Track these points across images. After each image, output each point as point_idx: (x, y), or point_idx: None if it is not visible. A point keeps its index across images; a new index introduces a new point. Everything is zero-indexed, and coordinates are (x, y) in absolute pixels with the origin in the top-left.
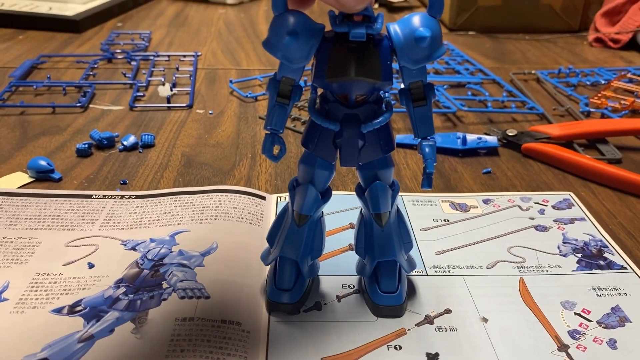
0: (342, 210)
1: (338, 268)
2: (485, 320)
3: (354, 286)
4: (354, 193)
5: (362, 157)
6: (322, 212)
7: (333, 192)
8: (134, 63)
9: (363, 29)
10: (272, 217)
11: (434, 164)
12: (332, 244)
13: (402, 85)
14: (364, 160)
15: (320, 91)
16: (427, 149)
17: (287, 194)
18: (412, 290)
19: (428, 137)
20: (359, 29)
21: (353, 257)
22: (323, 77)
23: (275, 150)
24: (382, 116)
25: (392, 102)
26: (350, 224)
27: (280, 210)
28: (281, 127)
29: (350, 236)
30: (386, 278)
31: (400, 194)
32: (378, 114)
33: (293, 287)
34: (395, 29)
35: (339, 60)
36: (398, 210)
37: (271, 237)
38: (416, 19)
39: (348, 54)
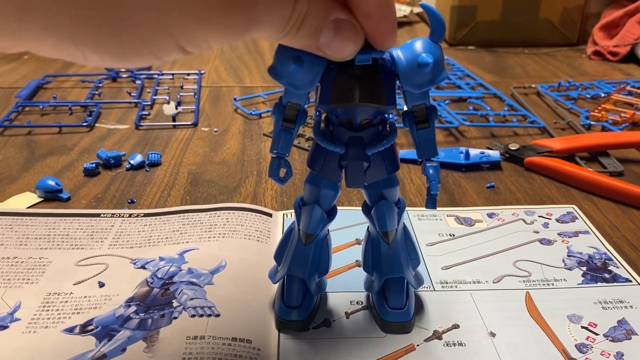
0: (348, 226)
1: (346, 284)
2: (493, 335)
3: (362, 302)
4: (360, 208)
5: (367, 178)
6: (328, 229)
7: (339, 208)
8: (138, 82)
9: (368, 55)
10: (279, 234)
11: (438, 185)
12: (340, 260)
13: (406, 108)
14: (370, 181)
15: (324, 113)
16: (431, 171)
17: (293, 210)
18: (420, 305)
19: (432, 159)
20: (364, 54)
21: (360, 274)
22: (328, 103)
23: (282, 173)
24: (386, 139)
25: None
26: (356, 239)
27: (286, 228)
28: (287, 151)
29: (357, 252)
30: (394, 294)
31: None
32: (382, 136)
33: (301, 304)
34: (398, 54)
35: (343, 86)
36: (405, 227)
37: (278, 256)
38: (419, 45)
39: (352, 79)
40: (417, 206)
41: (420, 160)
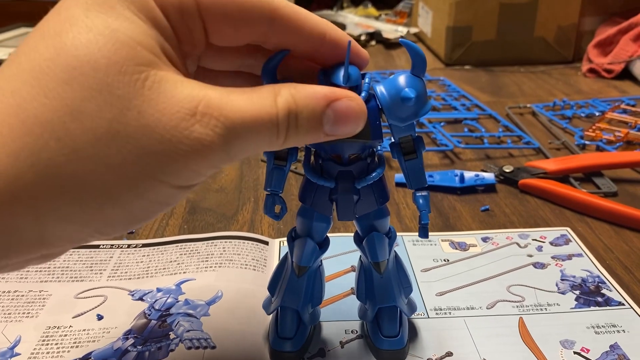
0: (342, 253)
1: (341, 313)
2: None
3: (356, 331)
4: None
5: (357, 211)
6: (321, 260)
7: (334, 234)
8: None
9: None
10: (275, 262)
11: (429, 214)
12: (334, 288)
13: (393, 140)
14: (360, 213)
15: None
16: (420, 200)
17: None
18: (413, 333)
19: (421, 188)
20: None
21: (355, 302)
22: None
23: (277, 209)
24: (375, 172)
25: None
26: (351, 266)
27: (280, 259)
28: (280, 188)
29: (351, 279)
30: (387, 323)
31: (400, 234)
32: (371, 169)
33: (295, 335)
34: (381, 90)
35: None
36: (396, 256)
37: (272, 287)
38: (401, 79)
39: None
40: (412, 231)
41: (410, 189)
